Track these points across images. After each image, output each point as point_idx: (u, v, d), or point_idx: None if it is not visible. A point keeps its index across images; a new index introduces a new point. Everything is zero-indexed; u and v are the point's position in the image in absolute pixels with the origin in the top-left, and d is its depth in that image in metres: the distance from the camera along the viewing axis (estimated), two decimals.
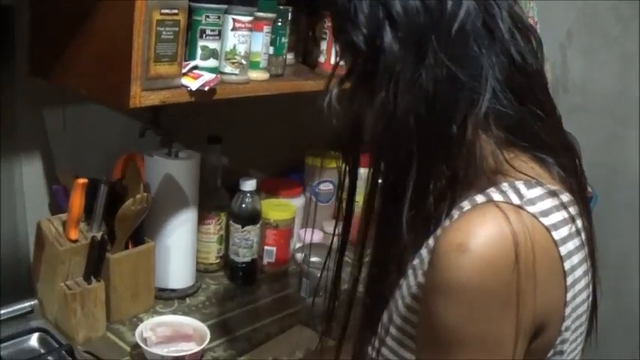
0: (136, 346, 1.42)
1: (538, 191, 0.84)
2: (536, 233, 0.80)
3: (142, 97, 1.25)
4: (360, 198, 1.05)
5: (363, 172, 1.02)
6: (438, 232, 0.88)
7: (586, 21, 2.43)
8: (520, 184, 0.85)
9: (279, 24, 1.57)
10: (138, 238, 1.55)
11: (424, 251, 0.91)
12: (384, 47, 0.87)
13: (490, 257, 0.78)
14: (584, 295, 0.89)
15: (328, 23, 1.65)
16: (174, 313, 1.58)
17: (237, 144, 1.86)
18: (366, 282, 1.08)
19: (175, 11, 1.28)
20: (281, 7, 1.57)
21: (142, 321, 1.49)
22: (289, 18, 1.61)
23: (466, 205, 0.86)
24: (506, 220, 0.79)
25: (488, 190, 0.85)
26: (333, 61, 1.66)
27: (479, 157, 0.89)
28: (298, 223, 1.93)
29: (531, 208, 0.82)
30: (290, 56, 1.74)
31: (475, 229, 0.79)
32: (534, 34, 0.93)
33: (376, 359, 0.99)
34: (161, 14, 1.25)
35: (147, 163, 1.59)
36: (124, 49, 1.21)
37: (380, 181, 1.01)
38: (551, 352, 0.86)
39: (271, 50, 1.56)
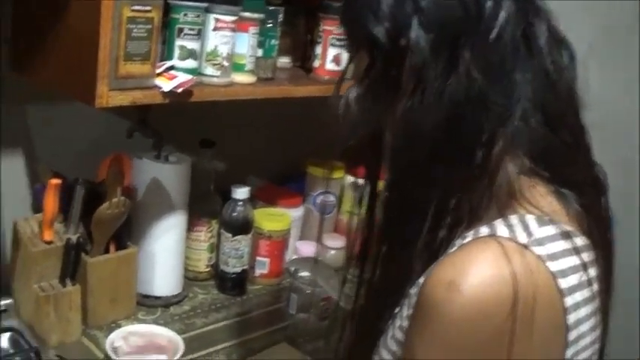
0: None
1: (550, 230, 0.75)
2: (539, 279, 0.71)
3: (109, 96, 1.22)
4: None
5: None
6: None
7: (608, 36, 2.28)
8: (531, 219, 0.76)
9: (269, 25, 1.51)
10: (121, 243, 1.50)
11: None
12: (411, 46, 0.77)
13: (483, 302, 0.69)
14: (587, 352, 0.78)
15: (324, 26, 1.58)
16: (156, 321, 1.53)
17: (234, 148, 1.81)
18: (365, 306, 1.00)
19: (148, 8, 1.23)
20: (271, 7, 1.50)
21: (121, 327, 1.44)
22: (280, 19, 1.54)
23: (469, 236, 0.77)
24: (507, 261, 0.70)
25: (495, 222, 0.76)
26: (328, 66, 1.60)
27: (497, 184, 0.79)
28: (295, 234, 1.86)
29: (538, 250, 0.73)
30: (286, 60, 1.68)
31: (470, 267, 0.71)
32: (569, 49, 0.84)
33: None
34: (132, 11, 1.21)
35: (135, 165, 1.53)
36: (91, 47, 1.18)
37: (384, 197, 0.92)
38: None
39: (260, 52, 1.49)
